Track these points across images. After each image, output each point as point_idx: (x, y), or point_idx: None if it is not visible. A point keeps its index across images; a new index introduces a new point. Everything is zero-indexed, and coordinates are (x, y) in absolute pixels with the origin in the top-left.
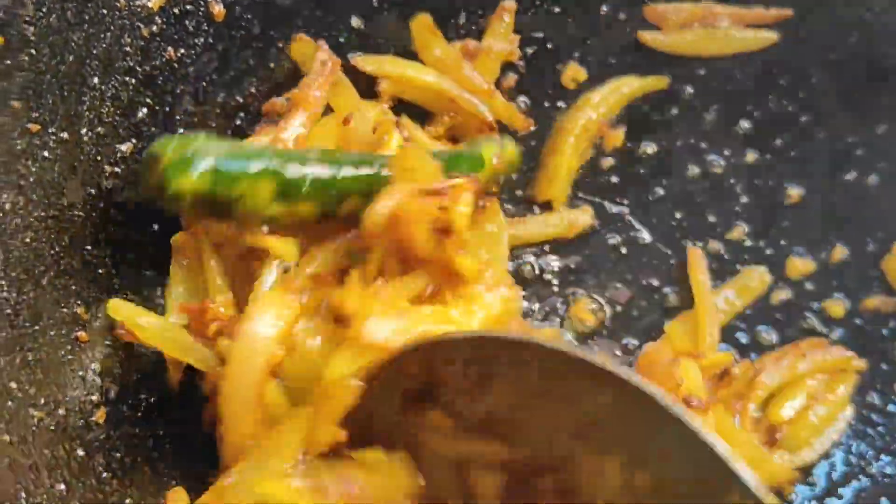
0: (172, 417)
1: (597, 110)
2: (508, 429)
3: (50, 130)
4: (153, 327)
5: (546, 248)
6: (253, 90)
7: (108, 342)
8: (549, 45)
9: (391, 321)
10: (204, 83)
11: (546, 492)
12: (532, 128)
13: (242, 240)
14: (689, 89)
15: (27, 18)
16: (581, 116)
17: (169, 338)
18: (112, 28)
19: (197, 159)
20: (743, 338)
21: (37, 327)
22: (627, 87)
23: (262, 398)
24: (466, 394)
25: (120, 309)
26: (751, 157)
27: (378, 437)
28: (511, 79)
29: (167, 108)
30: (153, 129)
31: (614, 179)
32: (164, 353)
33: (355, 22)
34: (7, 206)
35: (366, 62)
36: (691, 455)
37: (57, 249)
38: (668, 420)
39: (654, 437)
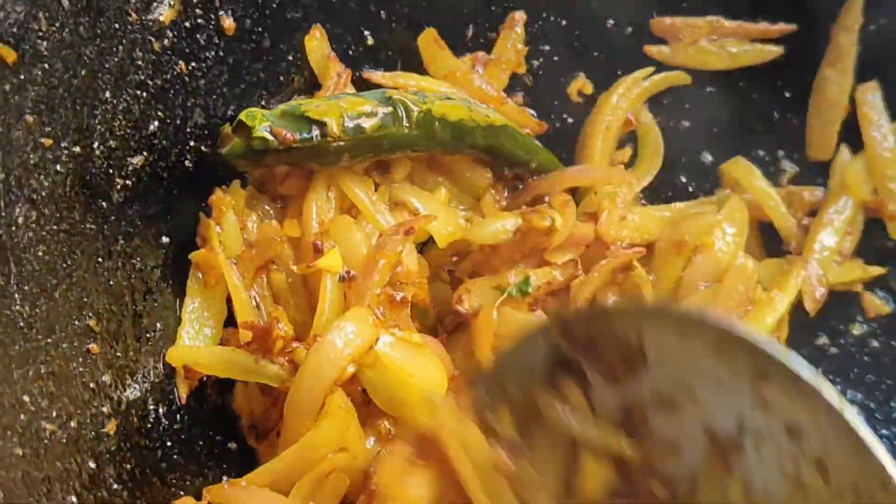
0: (180, 428)
1: (616, 111)
2: (640, 426)
3: (62, 144)
4: (217, 358)
5: None
6: (264, 103)
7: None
8: (555, 58)
9: None
10: (215, 96)
11: (650, 497)
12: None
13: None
14: None
15: (40, 33)
16: (602, 119)
17: (235, 364)
18: (124, 42)
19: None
20: None
21: (49, 340)
22: (649, 80)
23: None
24: (614, 377)
25: (179, 355)
26: None
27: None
28: (518, 96)
29: (178, 122)
30: (164, 142)
31: None
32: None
33: (366, 35)
34: (20, 220)
35: (380, 77)
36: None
37: (69, 262)
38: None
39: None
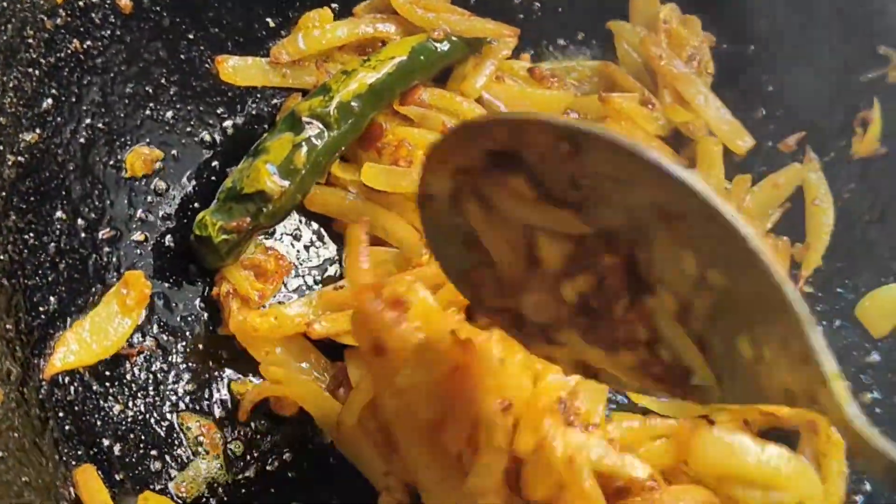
0: (73, 399)
1: None
2: (587, 200)
3: None
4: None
5: None
6: (163, 81)
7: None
8: None
9: None
10: (112, 74)
11: (612, 269)
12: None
13: None
14: None
15: None
16: None
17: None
18: (13, 20)
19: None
20: None
21: None
22: None
23: None
24: (552, 163)
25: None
26: None
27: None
28: None
29: (73, 99)
30: (59, 119)
31: None
32: None
33: (268, 19)
34: None
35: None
36: (753, 274)
37: None
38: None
39: (726, 248)
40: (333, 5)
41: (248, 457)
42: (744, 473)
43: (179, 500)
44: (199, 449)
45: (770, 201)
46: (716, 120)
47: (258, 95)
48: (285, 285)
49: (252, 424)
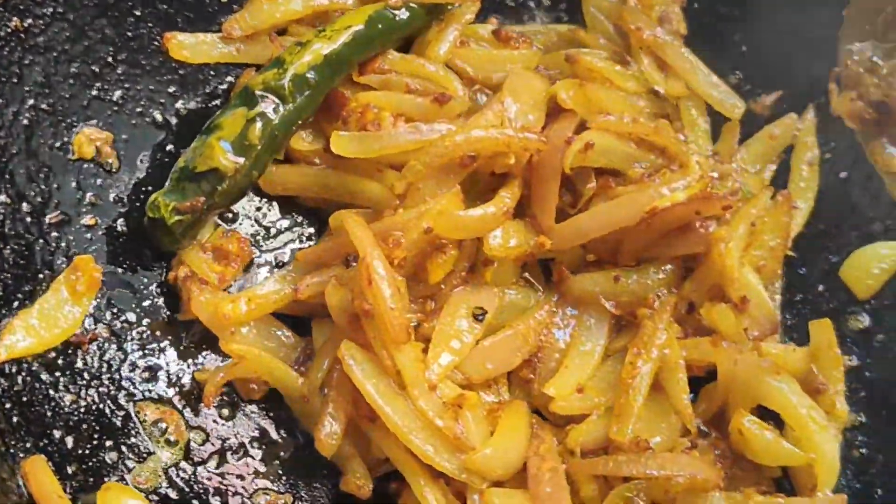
0: (21, 389)
1: None
2: None
3: None
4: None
5: None
6: (110, 60)
7: None
8: None
9: None
10: (55, 53)
11: None
12: None
13: None
14: None
15: None
16: None
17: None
18: None
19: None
20: None
21: None
22: None
23: None
24: None
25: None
26: None
27: None
28: None
29: (15, 80)
30: (0, 98)
31: None
32: None
33: None
34: None
35: None
36: None
37: None
38: None
39: None
40: None
41: (211, 445)
42: None
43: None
44: (159, 439)
45: (767, 152)
46: (705, 86)
47: (211, 73)
48: (248, 268)
49: (214, 412)
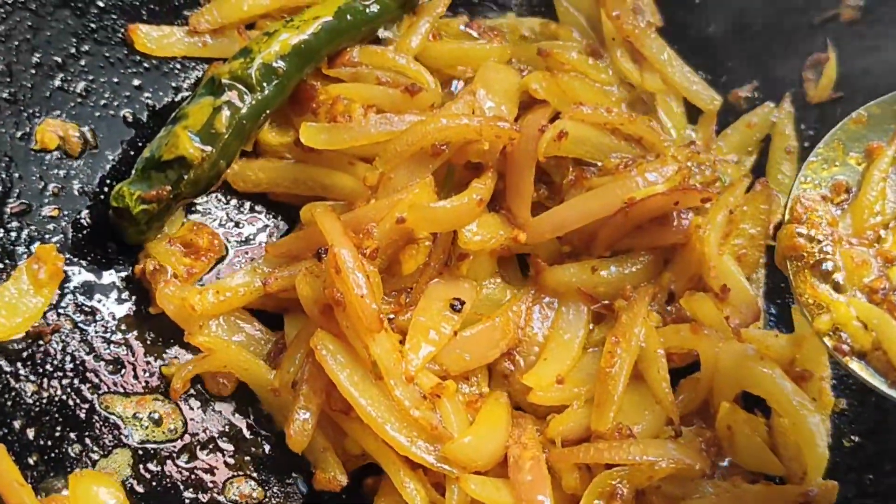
0: None
1: None
2: None
3: None
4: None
5: None
6: (73, 51)
7: None
8: None
9: None
10: (17, 42)
11: None
12: None
13: None
14: None
15: None
16: None
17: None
18: None
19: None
20: None
21: None
22: None
23: None
24: None
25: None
26: None
27: None
28: None
29: None
30: None
31: None
32: None
33: None
34: None
35: None
36: None
37: None
38: None
39: None
40: None
41: (180, 440)
42: None
43: None
44: (124, 432)
45: (745, 141)
46: (682, 79)
47: (177, 66)
48: (219, 262)
49: (183, 406)
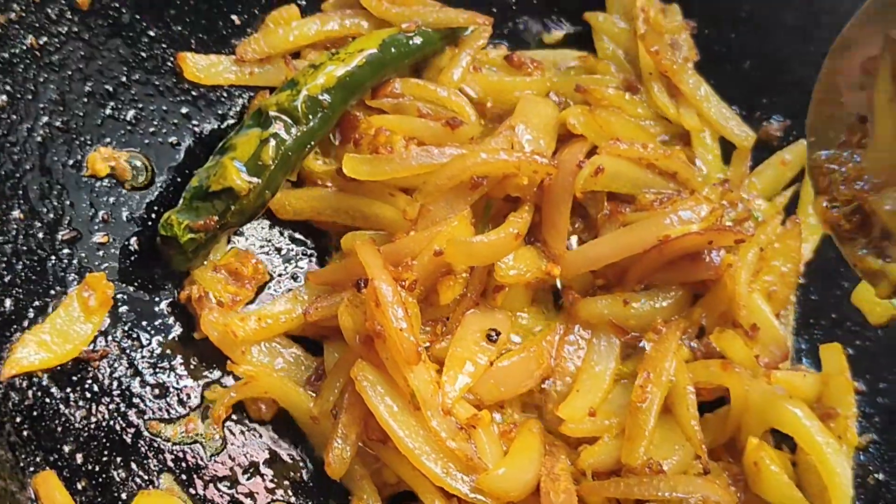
0: (31, 403)
1: None
2: None
3: None
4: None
5: None
6: (124, 79)
7: None
8: None
9: None
10: (70, 72)
11: None
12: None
13: None
14: None
15: None
16: None
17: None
18: None
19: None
20: None
21: None
22: None
23: None
24: None
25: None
26: None
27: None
28: None
29: (29, 97)
30: (13, 116)
31: None
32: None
33: (233, 16)
34: None
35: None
36: None
37: None
38: None
39: None
40: (301, 2)
41: (221, 465)
42: None
43: None
44: (168, 456)
45: (779, 178)
46: (717, 115)
47: (224, 94)
48: (262, 290)
49: (225, 431)
